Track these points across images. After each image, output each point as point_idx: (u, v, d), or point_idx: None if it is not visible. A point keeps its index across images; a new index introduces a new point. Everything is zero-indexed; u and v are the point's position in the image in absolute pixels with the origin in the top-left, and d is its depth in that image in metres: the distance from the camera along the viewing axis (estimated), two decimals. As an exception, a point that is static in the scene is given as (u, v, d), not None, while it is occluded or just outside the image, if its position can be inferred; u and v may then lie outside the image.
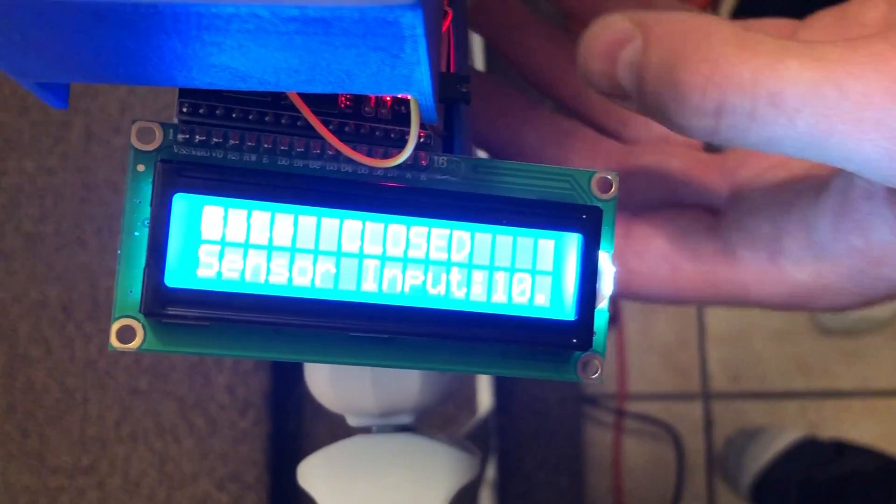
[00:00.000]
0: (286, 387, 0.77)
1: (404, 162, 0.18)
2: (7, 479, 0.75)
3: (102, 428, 0.74)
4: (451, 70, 0.20)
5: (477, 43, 0.79)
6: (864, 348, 0.97)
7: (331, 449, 0.24)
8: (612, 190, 0.19)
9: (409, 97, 0.18)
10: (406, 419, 0.25)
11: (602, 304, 0.19)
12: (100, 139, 0.78)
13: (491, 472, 0.80)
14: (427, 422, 0.27)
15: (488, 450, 0.79)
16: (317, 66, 0.15)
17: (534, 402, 0.90)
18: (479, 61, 0.77)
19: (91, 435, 0.74)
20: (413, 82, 0.15)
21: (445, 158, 0.19)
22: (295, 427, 0.81)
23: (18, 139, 0.78)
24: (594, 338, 0.19)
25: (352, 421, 0.26)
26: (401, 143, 0.18)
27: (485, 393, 0.81)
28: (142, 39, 0.14)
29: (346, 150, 0.18)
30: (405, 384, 0.24)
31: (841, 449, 0.86)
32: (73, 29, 0.13)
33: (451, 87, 0.19)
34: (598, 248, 0.19)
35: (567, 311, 0.19)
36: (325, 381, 0.25)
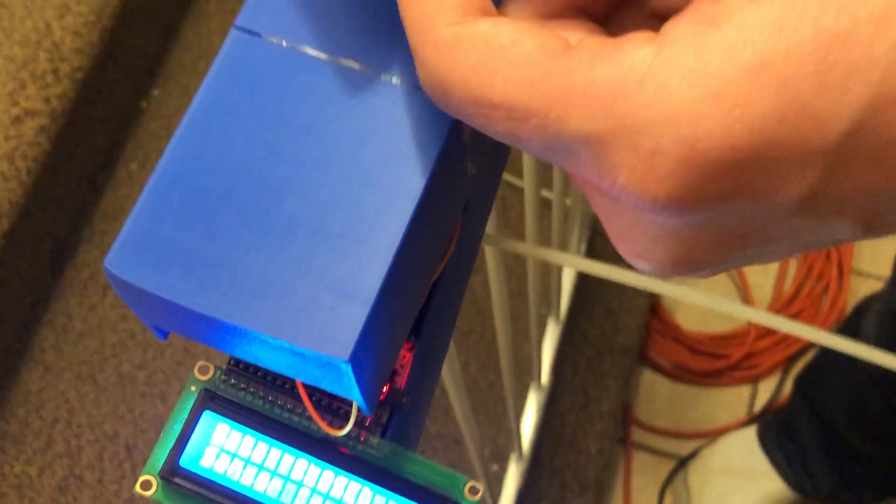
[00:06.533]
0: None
1: (348, 434, 0.28)
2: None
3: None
4: (402, 387, 0.30)
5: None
6: None
7: None
8: (479, 495, 0.29)
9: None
10: None
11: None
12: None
13: None
14: None
15: None
16: (293, 368, 0.25)
17: None
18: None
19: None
20: (353, 395, 0.26)
21: (377, 440, 0.29)
22: None
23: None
24: None
25: None
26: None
27: None
28: (202, 324, 0.25)
29: (315, 417, 0.28)
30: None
31: None
32: (168, 312, 0.25)
33: (395, 398, 0.29)
34: (455, 532, 0.28)
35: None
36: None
